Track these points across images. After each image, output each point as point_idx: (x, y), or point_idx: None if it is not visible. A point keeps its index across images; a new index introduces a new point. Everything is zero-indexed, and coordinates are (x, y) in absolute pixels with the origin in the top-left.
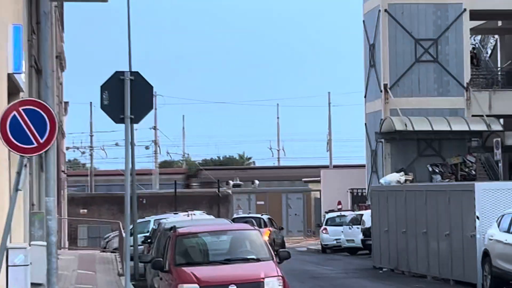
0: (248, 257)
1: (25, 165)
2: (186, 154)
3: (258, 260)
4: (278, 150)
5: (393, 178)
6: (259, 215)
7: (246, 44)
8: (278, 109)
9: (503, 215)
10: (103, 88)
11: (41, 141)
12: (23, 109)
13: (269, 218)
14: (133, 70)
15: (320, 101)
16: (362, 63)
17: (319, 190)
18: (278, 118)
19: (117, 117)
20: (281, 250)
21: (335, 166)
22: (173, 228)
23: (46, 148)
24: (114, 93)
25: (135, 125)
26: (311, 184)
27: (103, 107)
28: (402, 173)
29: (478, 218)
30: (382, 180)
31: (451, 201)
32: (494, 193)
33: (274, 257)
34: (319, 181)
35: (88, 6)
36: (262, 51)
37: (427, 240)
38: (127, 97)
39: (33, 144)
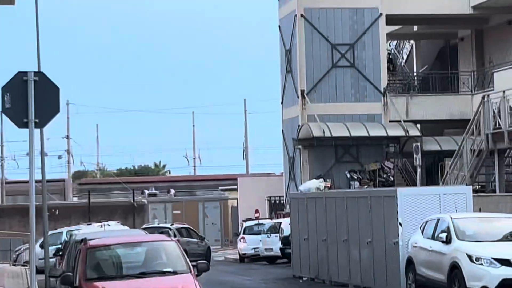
0: (165, 270)
1: None
2: (100, 164)
3: (175, 273)
4: (194, 159)
5: (312, 185)
6: (168, 225)
7: (160, 51)
8: (193, 117)
9: (427, 221)
10: (5, 89)
11: None
12: None
13: (186, 228)
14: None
15: (236, 108)
16: (278, 69)
17: (236, 199)
18: (193, 126)
19: (20, 121)
20: (199, 261)
21: (252, 175)
22: (84, 240)
23: None
24: (16, 95)
25: (46, 134)
26: (228, 192)
27: (4, 110)
28: (321, 179)
29: (400, 224)
30: (301, 187)
31: (372, 208)
32: (416, 198)
33: (192, 270)
34: (236, 189)
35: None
36: (177, 58)
37: (348, 248)
38: (31, 99)
39: None
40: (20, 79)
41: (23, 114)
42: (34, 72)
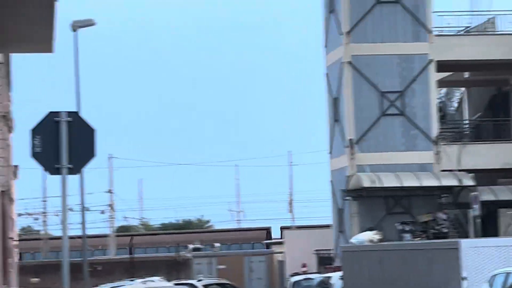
0: None
1: None
2: (143, 218)
3: None
4: (238, 212)
5: (366, 237)
6: (194, 281)
7: (202, 104)
8: (237, 170)
9: (495, 275)
10: (35, 132)
11: None
12: None
13: (222, 284)
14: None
15: (280, 160)
16: (325, 118)
17: (282, 252)
18: (237, 179)
19: (52, 167)
20: None
21: (298, 227)
22: None
23: None
24: (47, 138)
25: (88, 189)
26: (273, 246)
27: (34, 155)
28: (375, 231)
29: (464, 278)
30: (354, 240)
31: (433, 261)
32: (481, 250)
33: None
34: (281, 243)
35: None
36: (219, 111)
37: None
38: (64, 142)
39: None
40: (51, 120)
41: (55, 159)
42: (68, 112)
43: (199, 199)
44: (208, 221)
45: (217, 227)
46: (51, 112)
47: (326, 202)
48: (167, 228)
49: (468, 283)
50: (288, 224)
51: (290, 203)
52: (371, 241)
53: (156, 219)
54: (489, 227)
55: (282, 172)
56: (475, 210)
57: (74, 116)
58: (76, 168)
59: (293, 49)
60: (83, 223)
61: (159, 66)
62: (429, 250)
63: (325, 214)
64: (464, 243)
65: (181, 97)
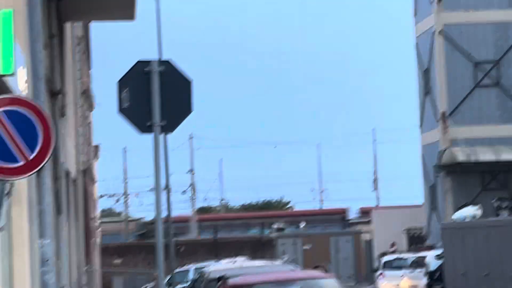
0: None
1: (8, 193)
2: (223, 200)
3: None
4: (321, 192)
5: (468, 213)
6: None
7: (283, 82)
8: (319, 149)
9: None
10: (122, 84)
11: (30, 157)
12: (3, 111)
13: None
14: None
15: (364, 138)
16: (411, 93)
17: (369, 232)
18: (319, 158)
19: (143, 125)
20: None
21: (383, 207)
22: (223, 279)
23: (38, 168)
24: (137, 91)
25: (170, 167)
26: (359, 226)
27: (122, 110)
28: (477, 206)
29: None
30: (455, 216)
31: None
32: None
33: None
34: (367, 222)
35: (117, 38)
36: (301, 88)
37: None
38: (156, 96)
39: (18, 161)
40: (141, 70)
41: (146, 115)
42: (159, 60)
43: (280, 179)
44: (288, 202)
45: (298, 208)
46: (140, 61)
47: (409, 181)
48: (246, 209)
49: None
50: (370, 205)
51: (375, 182)
52: (473, 217)
53: (236, 199)
54: None
55: (366, 150)
56: None
57: (167, 65)
58: (170, 125)
59: (379, 21)
60: (168, 203)
61: (243, 39)
62: None
63: (411, 193)
64: None
65: (262, 76)
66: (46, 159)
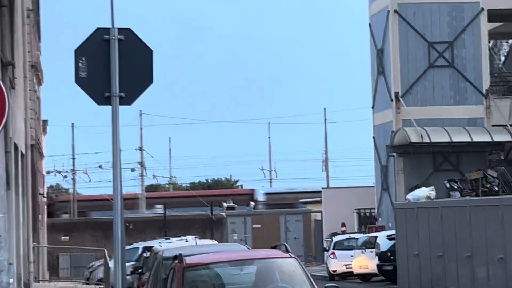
0: None
1: None
2: (173, 177)
3: None
4: (270, 171)
5: (422, 193)
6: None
7: (235, 61)
8: (269, 128)
9: None
10: (79, 53)
11: None
12: None
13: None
14: None
15: (315, 118)
16: (364, 74)
17: (320, 212)
18: (269, 137)
19: (100, 96)
20: (327, 285)
21: (336, 188)
22: (179, 258)
23: None
24: (95, 60)
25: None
26: (309, 206)
27: (79, 80)
28: (432, 187)
29: None
30: (409, 196)
31: (504, 218)
32: None
33: None
34: (318, 202)
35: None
36: (251, 67)
37: (472, 265)
38: (115, 65)
39: None
40: (99, 38)
41: (104, 86)
42: (119, 28)
43: (230, 157)
44: (236, 181)
45: (246, 186)
46: (98, 29)
47: (363, 161)
48: (196, 188)
49: None
50: (321, 185)
51: (325, 162)
52: (428, 197)
53: (185, 177)
54: None
55: (317, 130)
56: None
57: (128, 33)
58: (129, 97)
59: (332, 2)
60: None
61: (194, 22)
62: (502, 207)
63: (362, 174)
64: None
65: (213, 54)
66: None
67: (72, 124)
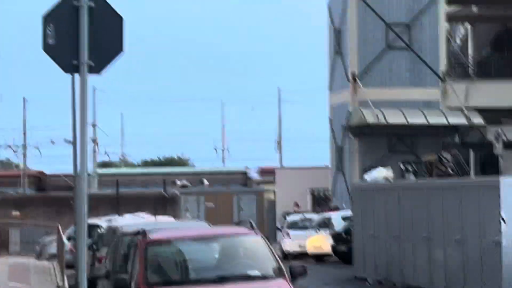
0: (250, 273)
1: None
2: (125, 155)
3: (264, 277)
4: (223, 150)
5: (380, 174)
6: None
7: (189, 37)
8: (222, 107)
9: None
10: (47, 19)
11: None
12: None
13: None
14: None
15: (269, 98)
16: (321, 54)
17: (274, 191)
18: (222, 116)
19: (68, 64)
20: (293, 263)
21: (286, 168)
22: (142, 233)
23: None
24: (64, 27)
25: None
26: (262, 185)
27: (46, 47)
28: (389, 168)
29: (504, 220)
30: (367, 176)
31: (463, 200)
32: None
33: (286, 273)
34: (271, 182)
35: None
36: (206, 45)
37: (428, 246)
38: (84, 32)
39: None
40: (69, 5)
41: (73, 53)
42: None
43: (183, 136)
44: (188, 159)
45: (198, 165)
46: None
47: (317, 143)
48: (147, 165)
49: (507, 226)
50: (273, 165)
51: (279, 143)
52: (385, 178)
53: (137, 155)
54: (488, 169)
55: (272, 110)
56: (497, 149)
57: (98, 0)
58: (98, 65)
59: None
60: (74, 157)
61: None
62: (460, 188)
63: (316, 155)
64: (506, 180)
65: (167, 29)
66: None
67: (24, 98)
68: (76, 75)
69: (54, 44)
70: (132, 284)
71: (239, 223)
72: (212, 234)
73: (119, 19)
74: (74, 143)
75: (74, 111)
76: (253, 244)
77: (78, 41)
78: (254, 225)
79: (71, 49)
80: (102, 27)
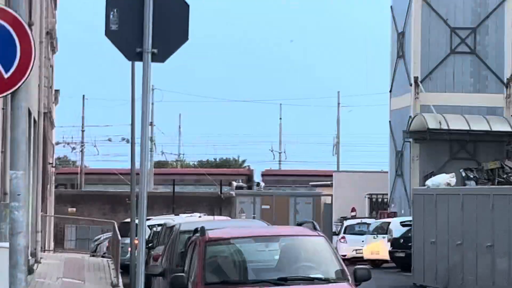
0: (313, 275)
1: None
2: (181, 155)
3: (326, 280)
4: (280, 153)
5: (443, 180)
6: None
7: (248, 40)
8: (281, 109)
9: None
10: (111, 4)
11: (6, 75)
12: None
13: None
14: None
15: (329, 102)
16: (382, 59)
17: (330, 195)
18: (280, 118)
19: (131, 51)
20: (358, 266)
21: (348, 171)
22: (201, 231)
23: (15, 88)
24: (127, 13)
25: (126, 119)
26: (319, 189)
27: (109, 33)
28: (452, 174)
29: None
30: (429, 182)
31: None
32: None
33: (349, 277)
34: (328, 185)
35: None
36: (266, 46)
37: (492, 255)
38: (148, 19)
39: None
40: None
41: (136, 40)
42: None
43: (240, 137)
44: (244, 161)
45: (254, 167)
46: None
47: (375, 147)
48: (203, 166)
49: None
50: (331, 169)
51: (336, 146)
52: (448, 184)
53: (193, 155)
54: None
55: (331, 114)
56: None
57: None
58: (162, 53)
59: None
60: (132, 155)
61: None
62: None
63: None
64: None
65: (228, 32)
66: (25, 78)
67: (83, 96)
68: (138, 63)
69: (117, 30)
70: (190, 283)
71: (301, 224)
72: (274, 234)
73: (185, 5)
74: (132, 139)
75: (133, 101)
76: (316, 245)
77: (141, 28)
78: (317, 226)
79: (135, 35)
80: (168, 14)
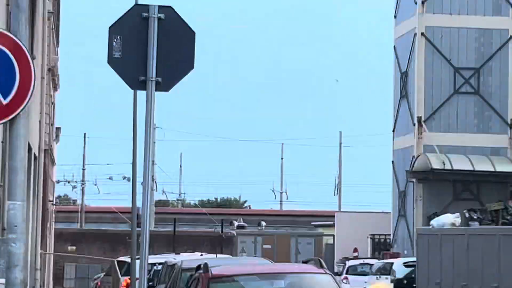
0: None
1: None
2: (182, 194)
3: None
4: (281, 193)
5: (447, 220)
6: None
7: (249, 78)
8: (282, 149)
9: None
10: (114, 30)
11: (5, 101)
12: None
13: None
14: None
15: (330, 141)
16: (389, 94)
17: (332, 235)
18: (282, 158)
19: (135, 79)
20: None
21: (350, 212)
22: (204, 267)
23: (14, 114)
24: (131, 40)
25: (128, 158)
26: (321, 229)
27: (112, 61)
28: (457, 214)
29: None
30: (434, 222)
31: None
32: None
33: None
34: (329, 226)
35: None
36: (267, 85)
37: None
38: (152, 47)
39: None
40: (137, 16)
41: (140, 68)
42: (159, 6)
43: (241, 176)
44: (245, 201)
45: (255, 207)
46: (137, 5)
47: (377, 187)
48: (204, 205)
49: None
50: (332, 209)
51: (338, 186)
52: (453, 224)
53: (194, 194)
54: None
55: (332, 154)
56: None
57: (169, 12)
58: (167, 82)
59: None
60: (133, 193)
61: (205, 41)
62: None
63: (375, 200)
64: None
65: (228, 70)
66: (24, 104)
67: (84, 134)
68: (140, 93)
69: (120, 58)
70: None
71: (307, 261)
72: (279, 271)
73: (191, 33)
74: (133, 178)
75: (134, 139)
76: (322, 283)
77: (145, 56)
78: (323, 263)
79: (138, 63)
80: (173, 42)
